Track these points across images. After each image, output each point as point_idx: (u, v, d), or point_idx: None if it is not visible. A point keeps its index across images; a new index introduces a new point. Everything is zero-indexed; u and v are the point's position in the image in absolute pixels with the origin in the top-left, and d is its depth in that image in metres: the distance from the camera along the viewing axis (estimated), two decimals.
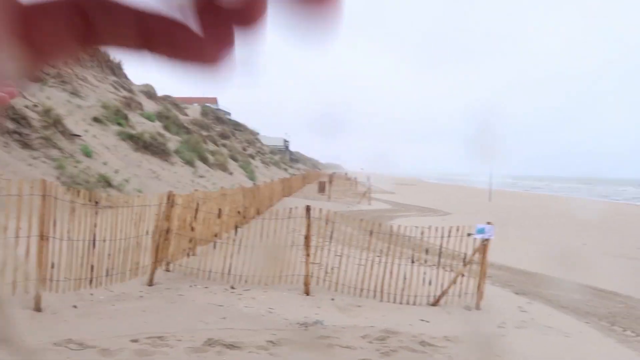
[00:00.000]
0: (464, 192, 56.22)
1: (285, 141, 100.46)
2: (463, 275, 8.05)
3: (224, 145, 41.68)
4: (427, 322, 6.99)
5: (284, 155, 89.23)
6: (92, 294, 6.91)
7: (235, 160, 38.18)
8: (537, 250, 15.25)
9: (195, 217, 9.16)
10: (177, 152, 25.19)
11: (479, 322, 7.19)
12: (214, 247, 8.85)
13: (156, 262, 8.05)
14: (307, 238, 8.23)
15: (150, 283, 7.82)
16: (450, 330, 6.60)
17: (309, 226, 8.26)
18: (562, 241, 17.54)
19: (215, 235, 9.79)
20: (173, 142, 26.56)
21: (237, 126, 69.35)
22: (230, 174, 31.46)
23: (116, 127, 21.62)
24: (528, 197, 53.64)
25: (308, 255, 8.16)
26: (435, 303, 7.94)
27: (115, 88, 28.64)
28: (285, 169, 65.52)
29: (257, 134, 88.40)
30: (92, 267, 6.96)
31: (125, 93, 29.13)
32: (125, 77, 32.97)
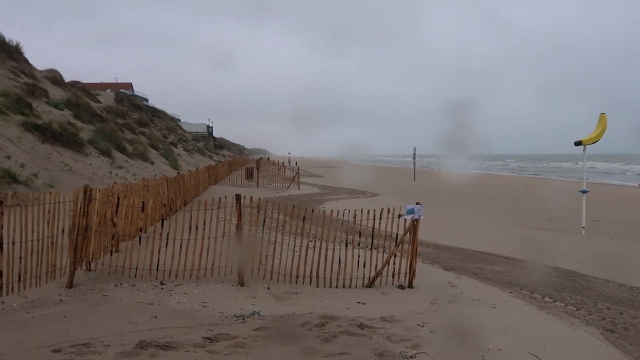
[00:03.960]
0: (389, 173, 57.97)
1: (209, 127, 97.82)
2: (395, 256, 8.28)
3: (143, 134, 39.83)
4: (364, 304, 7.12)
5: (208, 142, 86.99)
6: (2, 302, 6.33)
7: (156, 148, 36.63)
8: (461, 226, 16.09)
9: (116, 212, 8.66)
10: (91, 142, 23.66)
11: (412, 300, 7.44)
12: (139, 242, 8.43)
13: (75, 262, 7.53)
14: (238, 227, 8.07)
15: (70, 285, 7.31)
16: (387, 311, 6.78)
17: (240, 215, 8.10)
18: (482, 216, 18.62)
19: (140, 230, 9.33)
20: (86, 131, 24.91)
21: (156, 112, 66.60)
22: (152, 163, 30.16)
23: (19, 117, 19.85)
24: (446, 175, 56.33)
25: (241, 244, 7.99)
26: (370, 284, 8.12)
27: (15, 74, 26.25)
28: (210, 156, 63.99)
29: (178, 120, 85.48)
30: (0, 272, 6.36)
31: (26, 79, 26.77)
32: (26, 61, 30.28)
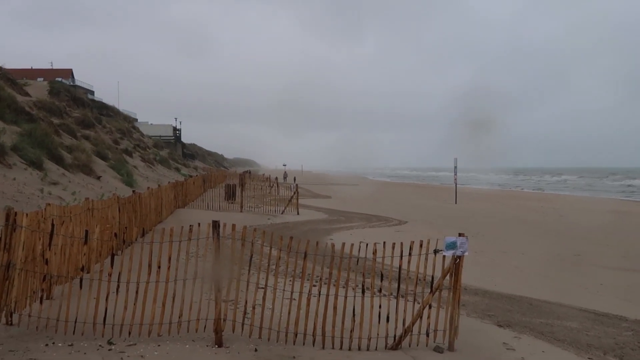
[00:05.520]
0: (419, 192, 58.03)
1: (176, 130, 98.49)
2: (431, 307, 8.23)
3: (87, 138, 40.10)
4: None
5: (175, 150, 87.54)
6: None
7: (104, 158, 36.85)
8: (521, 266, 16.01)
9: (49, 244, 8.67)
10: (15, 149, 23.83)
11: None
12: (80, 286, 8.42)
13: None
14: (215, 266, 8.05)
15: None
16: None
17: (218, 249, 8.09)
18: (549, 253, 18.51)
19: (82, 269, 9.32)
20: (8, 134, 25.11)
21: (105, 109, 67.17)
22: (98, 178, 30.31)
23: None
24: (497, 195, 56.33)
25: (219, 290, 7.98)
26: (396, 346, 8.06)
27: None
28: (178, 169, 64.26)
29: (135, 119, 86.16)
30: None
31: None
32: None
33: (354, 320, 8.07)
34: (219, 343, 7.79)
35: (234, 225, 8.43)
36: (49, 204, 10.02)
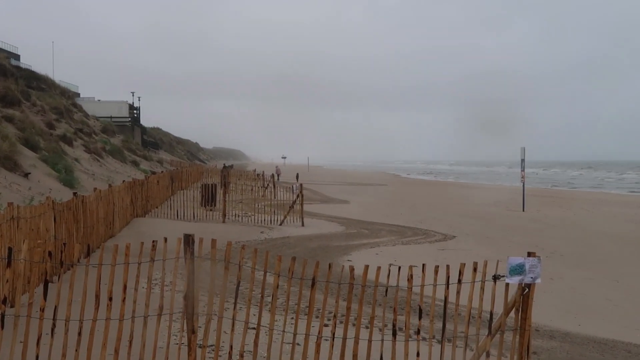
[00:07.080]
0: (471, 196, 57.82)
1: (133, 109, 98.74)
2: (489, 354, 8.20)
3: (10, 120, 40.30)
4: None
5: (132, 136, 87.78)
6: None
7: (33, 148, 37.01)
8: (614, 298, 15.90)
9: None
10: None
11: None
12: (1, 325, 8.46)
13: None
14: (188, 298, 8.05)
15: None
16: None
17: (191, 274, 8.09)
18: None
19: (4, 302, 9.35)
20: None
21: (35, 80, 67.33)
22: (26, 175, 30.45)
23: None
24: (575, 198, 56.04)
25: (194, 331, 7.97)
26: None
27: None
28: (135, 162, 64.42)
29: (76, 94, 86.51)
30: None
31: None
32: None
33: None
34: None
35: (214, 241, 8.41)
36: None
